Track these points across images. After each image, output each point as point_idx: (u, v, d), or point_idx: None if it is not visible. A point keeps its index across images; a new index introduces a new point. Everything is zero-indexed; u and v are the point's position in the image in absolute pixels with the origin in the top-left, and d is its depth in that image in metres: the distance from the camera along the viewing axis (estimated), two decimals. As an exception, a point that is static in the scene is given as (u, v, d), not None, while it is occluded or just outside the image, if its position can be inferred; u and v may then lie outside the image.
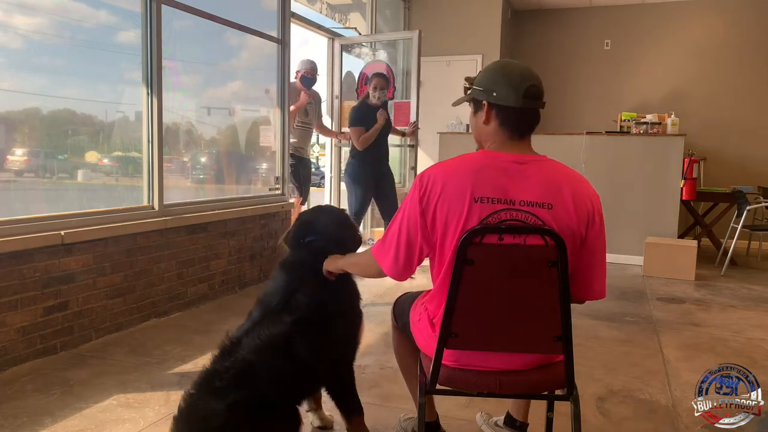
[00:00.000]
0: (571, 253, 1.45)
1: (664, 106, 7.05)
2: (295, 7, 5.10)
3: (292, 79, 5.17)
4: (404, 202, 1.59)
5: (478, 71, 1.68)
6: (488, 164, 1.52)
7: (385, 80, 4.83)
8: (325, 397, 2.11)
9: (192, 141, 4.33)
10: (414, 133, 5.66)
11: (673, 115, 6.00)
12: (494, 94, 1.55)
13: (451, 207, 1.48)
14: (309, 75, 5.26)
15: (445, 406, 2.33)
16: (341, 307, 1.96)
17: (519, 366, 1.59)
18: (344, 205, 5.31)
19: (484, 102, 1.59)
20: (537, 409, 2.10)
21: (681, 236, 6.12)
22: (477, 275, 1.46)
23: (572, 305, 1.51)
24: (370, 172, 4.82)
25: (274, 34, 4.81)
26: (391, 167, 5.08)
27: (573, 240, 1.50)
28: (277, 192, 4.92)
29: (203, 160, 4.57)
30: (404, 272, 1.62)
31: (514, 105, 1.52)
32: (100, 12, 3.44)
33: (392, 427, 2.25)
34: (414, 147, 6.03)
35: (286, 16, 4.89)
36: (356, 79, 6.33)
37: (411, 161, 6.17)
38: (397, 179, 7.44)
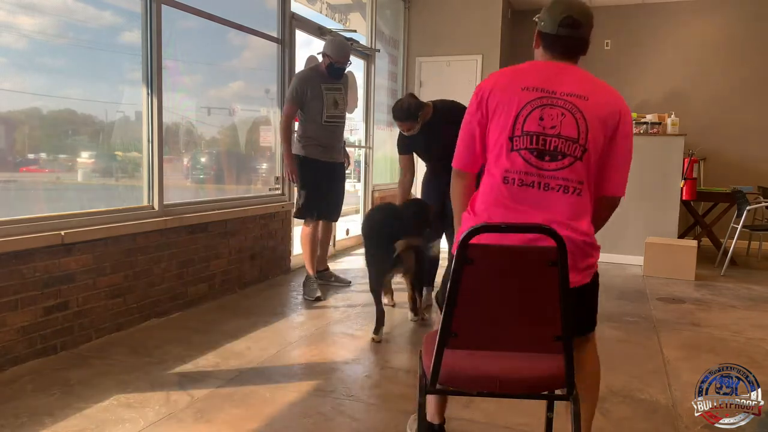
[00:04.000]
0: (599, 147, 1.74)
1: (664, 106, 7.05)
2: (295, 7, 5.09)
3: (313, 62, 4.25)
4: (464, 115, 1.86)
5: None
6: (534, 67, 1.85)
7: (402, 114, 3.57)
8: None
9: (192, 141, 4.33)
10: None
11: (673, 115, 6.00)
12: (542, 23, 1.86)
13: (502, 96, 1.75)
14: (340, 64, 4.07)
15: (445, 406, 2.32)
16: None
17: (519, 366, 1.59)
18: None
19: (536, 29, 1.89)
20: (537, 409, 2.10)
21: (681, 236, 6.12)
22: (477, 275, 1.46)
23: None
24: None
25: (274, 34, 4.81)
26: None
27: (604, 131, 1.74)
28: (277, 192, 4.92)
29: (203, 160, 4.57)
30: (470, 163, 1.86)
31: (551, 32, 1.82)
32: (100, 13, 3.44)
33: (394, 428, 2.25)
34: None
35: (286, 16, 4.89)
36: (356, 80, 6.31)
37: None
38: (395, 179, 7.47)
